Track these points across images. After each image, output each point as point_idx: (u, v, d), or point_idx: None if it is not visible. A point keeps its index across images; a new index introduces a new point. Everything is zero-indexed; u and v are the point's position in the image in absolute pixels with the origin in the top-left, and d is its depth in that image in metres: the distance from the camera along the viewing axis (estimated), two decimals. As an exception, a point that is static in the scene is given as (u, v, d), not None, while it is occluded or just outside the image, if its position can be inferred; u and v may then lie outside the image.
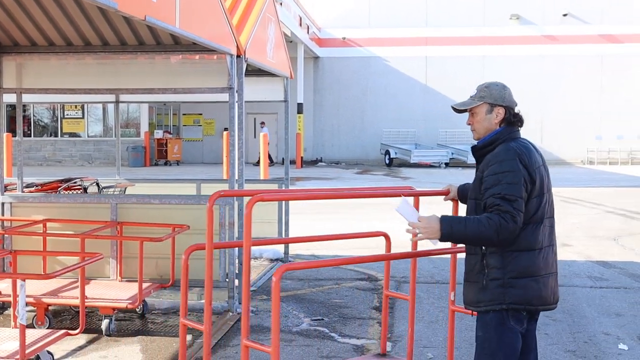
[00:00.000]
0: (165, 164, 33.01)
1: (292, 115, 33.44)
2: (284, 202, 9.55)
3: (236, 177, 6.84)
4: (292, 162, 33.84)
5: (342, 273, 8.91)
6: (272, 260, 9.61)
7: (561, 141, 35.19)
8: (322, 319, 6.72)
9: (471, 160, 31.73)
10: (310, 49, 33.67)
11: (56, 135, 33.23)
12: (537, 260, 3.45)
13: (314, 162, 35.49)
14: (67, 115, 33.14)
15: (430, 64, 35.59)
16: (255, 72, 9.42)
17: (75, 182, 7.97)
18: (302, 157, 32.26)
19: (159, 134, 33.07)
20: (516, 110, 3.67)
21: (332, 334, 6.22)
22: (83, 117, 33.13)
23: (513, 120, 3.65)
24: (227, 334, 6.15)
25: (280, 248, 9.70)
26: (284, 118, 9.56)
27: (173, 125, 36.49)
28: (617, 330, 6.37)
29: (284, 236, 9.57)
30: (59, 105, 32.21)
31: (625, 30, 34.78)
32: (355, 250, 10.47)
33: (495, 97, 3.64)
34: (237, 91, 6.94)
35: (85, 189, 8.07)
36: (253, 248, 9.93)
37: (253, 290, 7.91)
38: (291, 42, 32.42)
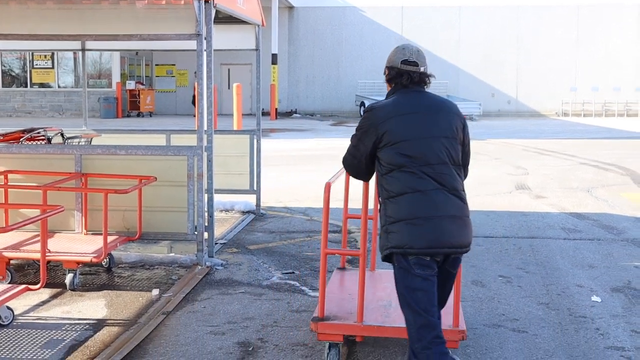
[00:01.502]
0: (138, 115, 32.56)
1: (266, 65, 33.03)
2: (255, 154, 9.36)
3: (205, 128, 6.63)
4: (267, 114, 33.55)
5: (314, 225, 8.79)
6: (243, 213, 9.46)
7: (537, 93, 35.16)
8: (293, 272, 6.60)
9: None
10: (284, -2, 33.14)
11: (26, 86, 32.57)
12: (406, 205, 3.55)
13: (288, 114, 35.19)
14: (37, 65, 32.46)
15: (407, 15, 35.19)
16: (226, 19, 9.13)
17: (38, 132, 7.70)
18: (276, 109, 31.93)
19: (131, 84, 32.53)
20: (397, 67, 3.77)
21: (303, 288, 6.10)
22: (53, 67, 32.47)
23: (397, 78, 3.78)
24: (196, 288, 6.01)
25: (252, 200, 9.54)
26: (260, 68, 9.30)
27: (146, 76, 35.93)
28: (591, 282, 6.33)
29: (255, 187, 9.40)
30: (28, 54, 31.52)
31: (602, -19, 34.58)
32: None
33: (387, 60, 3.88)
34: (205, 38, 6.70)
35: (49, 140, 7.81)
36: (224, 200, 9.77)
37: (223, 243, 7.77)
38: (265, -9, 31.86)
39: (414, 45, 3.84)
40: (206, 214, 6.93)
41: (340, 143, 18.83)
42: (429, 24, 35.00)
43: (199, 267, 6.60)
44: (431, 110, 3.71)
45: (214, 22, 8.69)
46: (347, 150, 3.84)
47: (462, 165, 3.82)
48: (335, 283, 5.19)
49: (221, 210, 9.52)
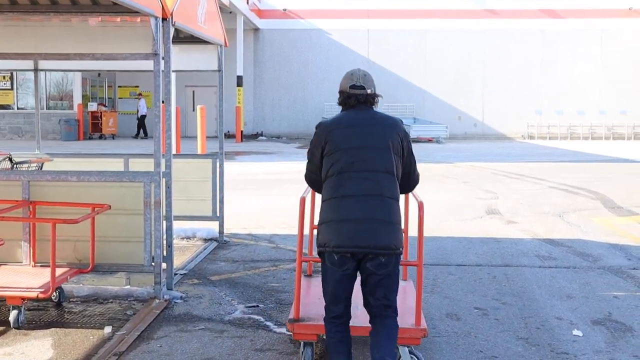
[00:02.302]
0: (100, 137, 31.94)
1: (231, 87, 32.70)
2: (217, 179, 8.97)
3: (162, 152, 6.23)
4: (232, 136, 33.15)
5: (280, 254, 8.41)
6: (205, 240, 9.05)
7: (503, 116, 35.23)
8: (257, 306, 6.20)
9: (413, 134, 31.51)
10: (250, 20, 32.84)
11: (-16, 107, 31.80)
12: (330, 209, 4.00)
13: (254, 136, 34.81)
14: (-4, 86, 31.75)
15: (373, 38, 35.12)
16: (187, 39, 8.80)
17: (-16, 157, 7.25)
18: (242, 131, 31.53)
19: (93, 106, 31.92)
20: (346, 91, 4.16)
21: (268, 323, 5.71)
22: (12, 88, 31.74)
23: (346, 100, 4.18)
24: (152, 325, 5.58)
25: (215, 227, 9.13)
26: (225, 90, 8.94)
27: (108, 98, 35.32)
28: (570, 314, 6.02)
29: (218, 214, 9.00)
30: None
31: (566, 5, 34.85)
32: (294, 229, 9.98)
33: (340, 85, 4.28)
34: (163, 58, 6.32)
35: (-4, 165, 7.35)
36: (185, 227, 9.35)
37: (184, 273, 7.35)
38: (230, 12, 31.56)
39: (361, 71, 4.22)
40: (164, 244, 6.52)
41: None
42: (395, 47, 34.96)
43: (157, 301, 6.17)
44: (367, 125, 4.08)
45: (174, 41, 8.34)
46: (306, 167, 4.26)
47: (406, 173, 4.18)
48: (305, 288, 5.41)
49: (182, 238, 9.10)
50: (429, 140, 31.62)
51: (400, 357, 4.45)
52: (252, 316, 5.90)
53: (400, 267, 4.19)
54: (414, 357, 4.50)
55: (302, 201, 4.57)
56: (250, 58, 35.11)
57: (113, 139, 32.35)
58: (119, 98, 35.67)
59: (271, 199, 13.03)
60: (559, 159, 22.63)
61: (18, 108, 31.83)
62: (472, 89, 35.22)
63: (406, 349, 4.48)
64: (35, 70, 8.70)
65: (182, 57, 8.80)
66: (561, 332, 5.58)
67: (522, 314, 6.05)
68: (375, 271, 3.95)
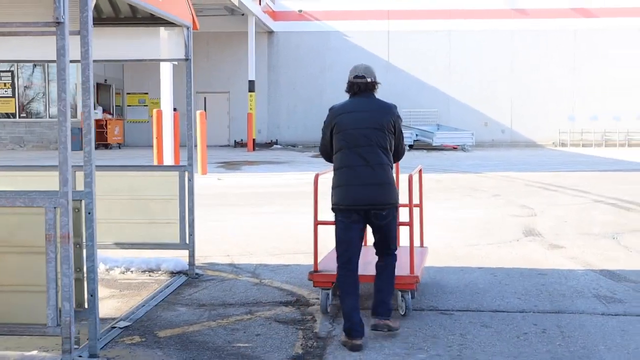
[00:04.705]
0: (106, 147, 30.31)
1: (243, 92, 31.16)
2: (186, 196, 7.11)
3: (69, 164, 4.34)
4: (244, 145, 31.46)
5: (261, 293, 6.52)
6: (173, 274, 7.20)
7: (532, 122, 33.13)
8: (207, 386, 4.33)
9: (436, 142, 29.52)
10: (263, 22, 31.09)
11: (-16, 116, 30.32)
12: (340, 176, 5.14)
13: (268, 145, 32.98)
14: (-4, 93, 30.25)
15: (393, 40, 33.22)
16: (146, 20, 6.98)
17: None
18: (254, 139, 29.70)
19: (97, 114, 30.27)
20: (350, 80, 5.27)
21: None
22: (14, 96, 30.21)
23: (351, 88, 5.29)
24: None
25: (185, 257, 7.28)
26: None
27: (116, 105, 33.72)
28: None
29: (187, 241, 7.14)
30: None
31: (600, 3, 32.70)
32: (288, 257, 8.09)
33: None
34: (80, 33, 4.49)
35: None
36: (149, 257, 7.51)
37: (126, 326, 5.49)
38: (242, 14, 29.88)
39: (363, 64, 5.35)
40: (86, 291, 4.67)
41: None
42: (417, 49, 33.04)
43: (65, 378, 4.31)
44: (367, 110, 5.17)
45: (127, 22, 6.56)
46: (320, 141, 5.40)
47: (396, 145, 5.25)
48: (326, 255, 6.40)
49: (144, 271, 7.26)
50: (454, 148, 29.61)
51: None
52: (194, 405, 4.02)
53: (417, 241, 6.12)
54: (404, 299, 5.63)
55: (316, 178, 5.81)
56: (264, 62, 33.35)
57: (119, 148, 30.73)
58: (128, 105, 34.08)
59: (268, 218, 11.14)
60: (598, 168, 20.52)
61: (20, 117, 30.26)
62: (500, 94, 33.15)
63: (399, 292, 5.61)
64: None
65: (135, 43, 6.98)
66: None
67: (594, 399, 4.10)
68: (378, 222, 5.11)
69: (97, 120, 30.13)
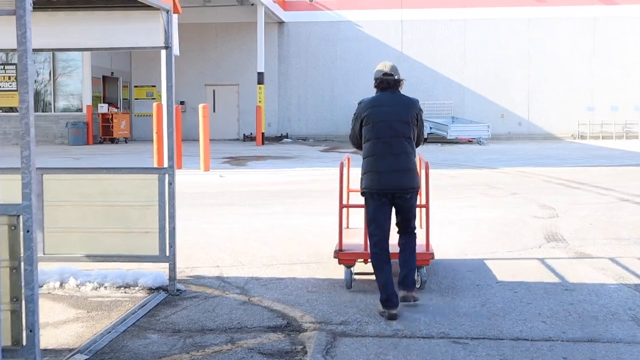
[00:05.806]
0: (112, 141, 29.60)
1: (252, 84, 30.46)
2: (167, 202, 6.31)
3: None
4: (253, 139, 30.68)
5: (248, 315, 5.70)
6: (151, 290, 6.40)
7: (550, 113, 32.08)
8: None
9: (451, 135, 28.57)
10: (273, 12, 30.20)
11: (-13, 110, 29.67)
12: (368, 163, 5.71)
13: (278, 139, 32.14)
14: (0, 87, 29.56)
15: (407, 29, 32.25)
16: (122, 3, 6.17)
17: None
18: (263, 133, 28.88)
19: (103, 108, 29.57)
20: (380, 77, 5.84)
21: None
22: (17, 90, 29.52)
23: (379, 84, 5.85)
24: None
25: (165, 270, 6.48)
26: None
27: (124, 99, 33.00)
28: None
29: (167, 253, 6.34)
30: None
31: (620, -10, 31.59)
32: (284, 268, 7.27)
33: (374, 73, 6.00)
34: (15, 13, 3.70)
35: None
36: (125, 270, 6.72)
37: (86, 359, 4.68)
38: (252, 5, 29.04)
39: (389, 62, 5.97)
40: (24, 326, 3.89)
41: (326, 174, 15.74)
42: (430, 39, 32.06)
43: None
44: (393, 104, 5.77)
45: (100, 6, 5.79)
46: (350, 130, 5.96)
47: (417, 135, 5.84)
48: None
49: (119, 287, 6.46)
50: (469, 141, 28.67)
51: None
52: None
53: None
54: (419, 273, 6.29)
55: (342, 165, 6.54)
56: (274, 53, 32.49)
57: (126, 142, 30.02)
58: (135, 99, 33.35)
59: (269, 220, 10.31)
60: (622, 162, 19.52)
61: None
62: (516, 84, 32.13)
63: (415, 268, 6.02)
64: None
65: (110, 30, 6.18)
66: None
67: None
68: (402, 204, 5.74)
69: (103, 114, 29.46)
